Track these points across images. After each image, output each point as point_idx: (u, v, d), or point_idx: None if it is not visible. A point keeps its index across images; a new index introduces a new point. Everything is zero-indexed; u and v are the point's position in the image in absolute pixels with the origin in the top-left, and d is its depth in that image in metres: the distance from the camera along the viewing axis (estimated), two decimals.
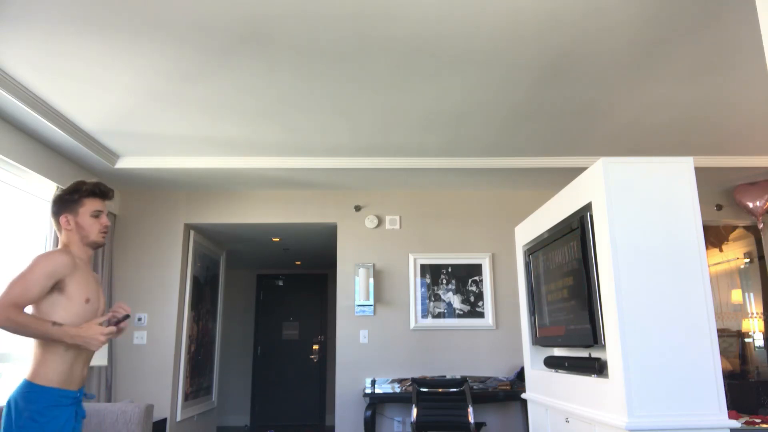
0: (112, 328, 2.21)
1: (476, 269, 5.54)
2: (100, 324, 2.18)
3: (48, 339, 2.11)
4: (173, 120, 3.99)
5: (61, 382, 2.17)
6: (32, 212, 4.33)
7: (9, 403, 2.13)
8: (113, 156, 4.67)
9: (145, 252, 5.42)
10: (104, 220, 2.39)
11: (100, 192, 2.40)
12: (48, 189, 4.37)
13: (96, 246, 2.38)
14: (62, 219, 2.33)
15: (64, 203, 2.35)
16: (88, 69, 3.25)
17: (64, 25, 2.80)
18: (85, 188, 2.37)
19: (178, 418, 5.35)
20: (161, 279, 5.37)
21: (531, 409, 3.61)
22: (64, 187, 4.41)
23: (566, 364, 3.03)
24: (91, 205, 2.36)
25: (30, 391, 2.12)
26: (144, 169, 4.80)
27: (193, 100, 3.68)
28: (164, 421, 5.05)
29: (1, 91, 3.33)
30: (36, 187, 4.29)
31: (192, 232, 5.69)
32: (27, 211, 4.27)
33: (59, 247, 2.34)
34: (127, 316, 2.31)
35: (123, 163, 4.75)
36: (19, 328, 2.05)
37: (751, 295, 6.13)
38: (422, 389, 4.54)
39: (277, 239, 6.59)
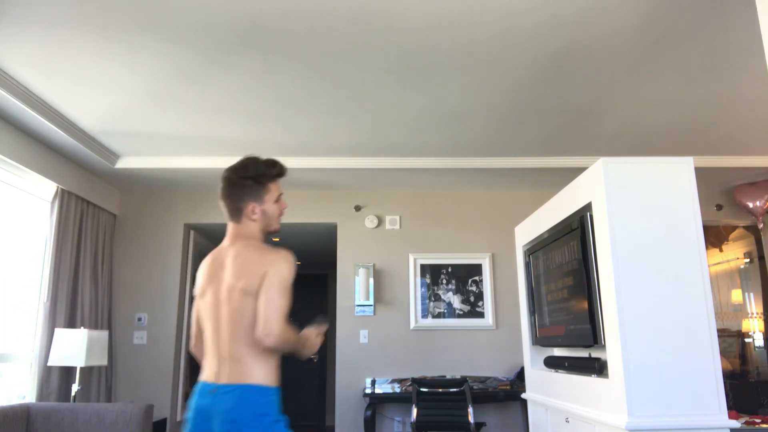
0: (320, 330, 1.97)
1: (476, 269, 5.54)
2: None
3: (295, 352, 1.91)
4: (173, 120, 3.99)
5: (277, 381, 1.87)
6: (32, 212, 4.33)
7: (237, 420, 1.74)
8: (113, 156, 4.67)
9: (145, 252, 5.42)
10: (284, 202, 2.06)
11: (282, 174, 2.03)
12: (48, 189, 4.37)
13: (273, 234, 2.07)
14: (249, 208, 1.95)
15: (249, 189, 1.96)
16: (89, 69, 3.25)
17: (64, 25, 2.80)
18: (274, 172, 1.99)
19: (178, 418, 5.35)
20: (161, 279, 5.37)
21: (531, 409, 3.61)
22: (66, 187, 4.43)
23: (566, 364, 3.03)
24: (275, 189, 2.01)
25: (265, 395, 1.80)
26: (144, 169, 4.80)
27: (193, 100, 3.68)
28: (164, 421, 5.05)
29: (1, 91, 3.33)
30: (36, 187, 4.29)
31: (192, 232, 5.69)
32: (27, 211, 4.27)
33: (236, 240, 1.96)
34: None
35: (123, 163, 4.75)
36: (288, 347, 1.82)
37: (751, 295, 6.13)
38: (422, 389, 4.54)
39: (277, 239, 6.59)
